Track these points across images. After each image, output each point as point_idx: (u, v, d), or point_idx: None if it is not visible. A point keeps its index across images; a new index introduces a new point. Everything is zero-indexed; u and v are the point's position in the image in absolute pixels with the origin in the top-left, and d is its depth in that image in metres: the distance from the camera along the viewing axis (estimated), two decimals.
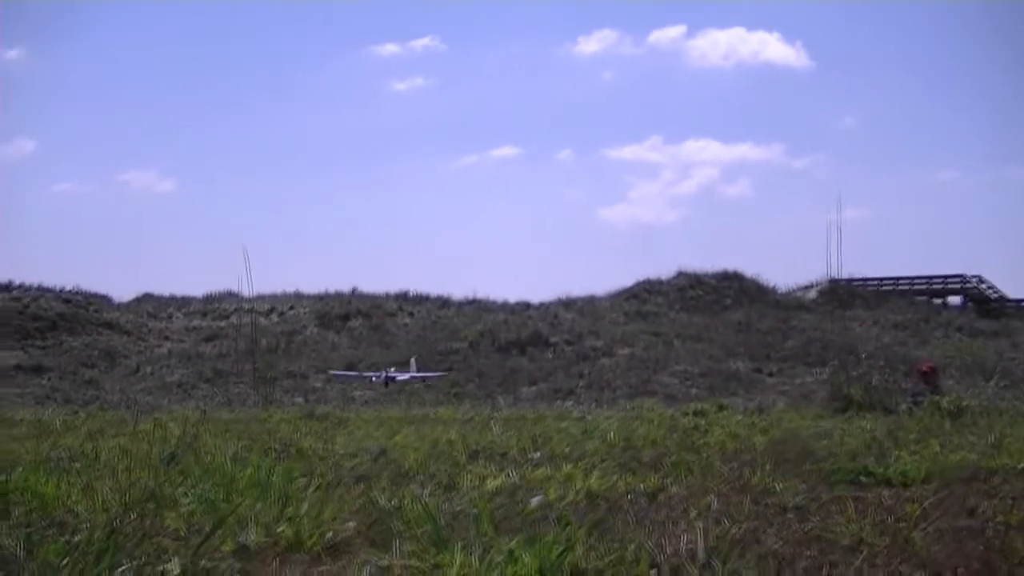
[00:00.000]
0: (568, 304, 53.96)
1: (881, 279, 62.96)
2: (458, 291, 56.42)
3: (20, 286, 50.17)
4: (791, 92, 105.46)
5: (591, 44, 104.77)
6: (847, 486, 6.80)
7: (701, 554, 4.41)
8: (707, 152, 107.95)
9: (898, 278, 63.78)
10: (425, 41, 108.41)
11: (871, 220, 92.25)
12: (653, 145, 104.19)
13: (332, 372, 40.47)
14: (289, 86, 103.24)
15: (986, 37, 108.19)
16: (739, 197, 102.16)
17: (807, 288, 59.75)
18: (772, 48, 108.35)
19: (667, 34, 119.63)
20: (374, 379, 37.66)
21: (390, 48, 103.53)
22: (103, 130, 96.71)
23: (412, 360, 40.02)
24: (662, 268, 59.92)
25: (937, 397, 16.67)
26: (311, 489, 5.94)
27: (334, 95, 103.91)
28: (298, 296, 55.72)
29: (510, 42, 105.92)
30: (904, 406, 16.41)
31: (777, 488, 6.51)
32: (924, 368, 21.90)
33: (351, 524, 5.14)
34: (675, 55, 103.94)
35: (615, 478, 7.12)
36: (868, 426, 11.70)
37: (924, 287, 63.53)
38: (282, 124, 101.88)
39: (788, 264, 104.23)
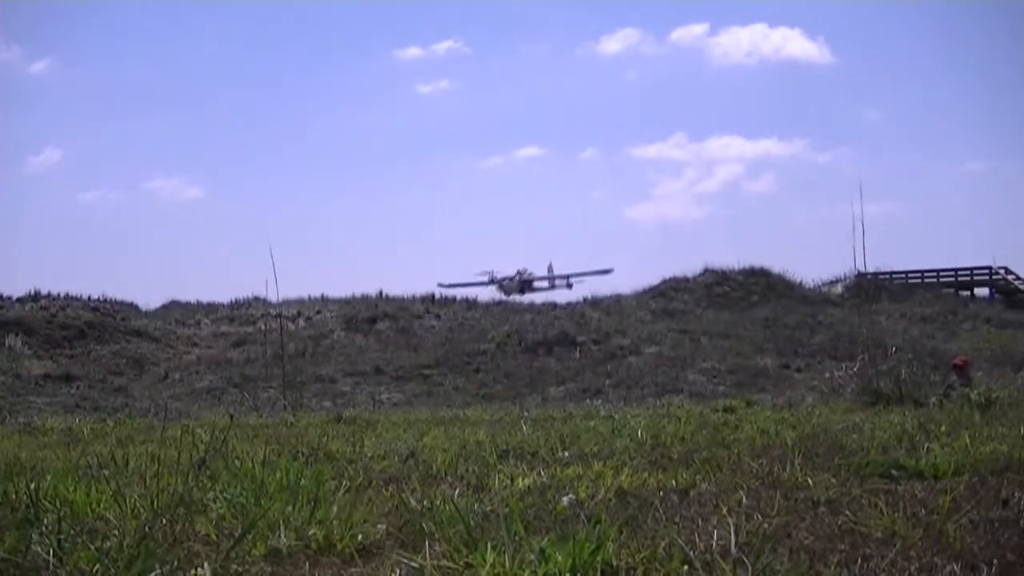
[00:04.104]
0: (595, 303, 54.06)
1: (908, 272, 62.80)
2: (484, 292, 56.56)
3: (48, 295, 50.52)
4: (814, 87, 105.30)
5: (614, 43, 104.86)
6: (879, 479, 6.74)
7: (733, 549, 4.38)
8: (731, 148, 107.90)
9: (925, 271, 63.62)
10: (448, 44, 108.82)
11: (897, 213, 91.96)
12: (677, 143, 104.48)
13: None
14: (313, 91, 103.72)
15: (1011, 26, 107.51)
16: (764, 193, 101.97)
17: (834, 283, 59.65)
18: (794, 44, 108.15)
19: (690, 32, 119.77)
20: (496, 284, 36.75)
21: (413, 52, 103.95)
22: (129, 138, 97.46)
23: (550, 263, 39.36)
24: (688, 266, 60.01)
25: (967, 390, 16.53)
26: (341, 492, 5.92)
27: (359, 99, 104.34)
28: (324, 300, 55.97)
29: (533, 43, 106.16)
30: (934, 399, 16.27)
31: (808, 483, 6.46)
32: (958, 362, 21.80)
33: (382, 526, 5.13)
34: (698, 53, 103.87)
35: (645, 475, 7.09)
36: (898, 419, 11.59)
37: (951, 279, 63.36)
38: (307, 129, 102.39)
39: (815, 259, 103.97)
